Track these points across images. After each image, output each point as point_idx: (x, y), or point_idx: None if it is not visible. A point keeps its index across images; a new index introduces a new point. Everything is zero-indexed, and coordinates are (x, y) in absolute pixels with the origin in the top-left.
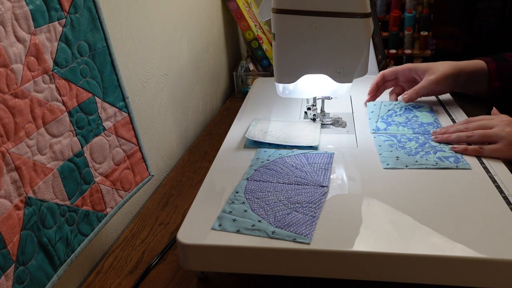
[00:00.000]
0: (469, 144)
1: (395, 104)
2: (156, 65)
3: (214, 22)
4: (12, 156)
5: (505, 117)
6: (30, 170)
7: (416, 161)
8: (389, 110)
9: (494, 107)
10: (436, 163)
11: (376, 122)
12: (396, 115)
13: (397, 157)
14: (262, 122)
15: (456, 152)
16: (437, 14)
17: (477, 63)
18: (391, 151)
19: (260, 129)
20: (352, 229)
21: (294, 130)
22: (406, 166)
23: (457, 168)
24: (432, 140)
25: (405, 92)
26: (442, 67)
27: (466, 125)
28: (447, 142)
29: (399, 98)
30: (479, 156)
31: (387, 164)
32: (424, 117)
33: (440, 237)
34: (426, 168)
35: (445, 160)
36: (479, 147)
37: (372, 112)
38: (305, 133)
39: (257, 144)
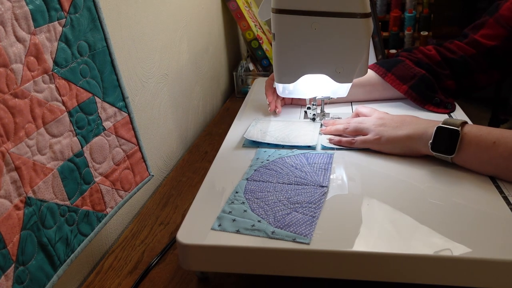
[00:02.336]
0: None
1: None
2: (156, 65)
3: (214, 22)
4: (12, 156)
5: (378, 114)
6: (30, 170)
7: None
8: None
9: (357, 108)
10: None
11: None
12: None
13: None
14: (262, 122)
15: (332, 143)
16: (437, 14)
17: (373, 78)
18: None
19: (260, 129)
20: (352, 229)
21: (293, 130)
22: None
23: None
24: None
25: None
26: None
27: (348, 119)
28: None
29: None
30: (351, 147)
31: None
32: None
33: (440, 237)
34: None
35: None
36: (352, 139)
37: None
38: (304, 133)
39: (256, 144)
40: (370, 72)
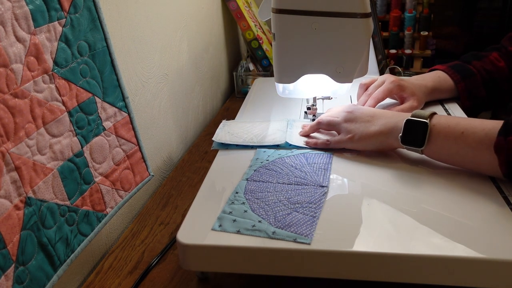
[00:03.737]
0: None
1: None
2: (156, 65)
3: (214, 22)
4: (12, 156)
5: (347, 108)
6: (30, 170)
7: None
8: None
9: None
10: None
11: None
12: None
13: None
14: (229, 124)
15: (308, 145)
16: (437, 14)
17: (447, 84)
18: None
19: (228, 131)
20: (352, 229)
21: (260, 130)
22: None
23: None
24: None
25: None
26: (423, 95)
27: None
28: (305, 136)
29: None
30: (327, 148)
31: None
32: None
33: (440, 237)
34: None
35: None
36: (326, 140)
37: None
38: (272, 132)
39: (224, 146)
40: (439, 73)
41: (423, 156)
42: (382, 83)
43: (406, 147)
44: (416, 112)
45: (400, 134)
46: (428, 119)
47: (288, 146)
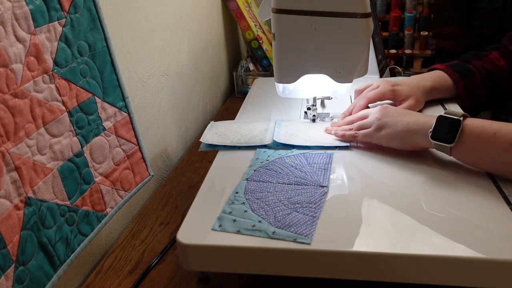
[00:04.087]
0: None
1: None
2: (156, 65)
3: (214, 22)
4: (12, 156)
5: (379, 107)
6: (30, 170)
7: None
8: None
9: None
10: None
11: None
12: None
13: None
14: (217, 125)
15: (336, 136)
16: (437, 14)
17: (447, 83)
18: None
19: (215, 132)
20: (352, 229)
21: (248, 130)
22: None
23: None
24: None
25: None
26: (422, 95)
27: (351, 118)
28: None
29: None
30: (354, 141)
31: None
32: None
33: (440, 237)
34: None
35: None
36: (355, 133)
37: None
38: (259, 132)
39: (212, 147)
40: (438, 72)
41: (423, 157)
42: (377, 87)
43: (435, 143)
44: (450, 110)
45: (431, 130)
46: (462, 118)
47: (275, 145)
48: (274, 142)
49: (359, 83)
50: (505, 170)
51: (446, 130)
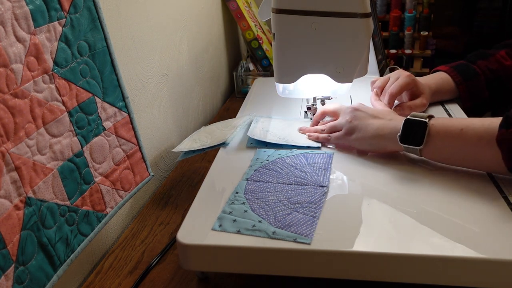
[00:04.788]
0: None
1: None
2: (156, 65)
3: (214, 22)
4: (12, 156)
5: (350, 106)
6: (30, 170)
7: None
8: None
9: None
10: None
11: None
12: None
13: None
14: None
15: (310, 139)
16: (437, 14)
17: (449, 85)
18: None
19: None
20: (352, 229)
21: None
22: (266, 145)
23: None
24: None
25: (401, 106)
26: (429, 95)
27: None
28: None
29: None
30: (326, 144)
31: (251, 143)
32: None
33: (440, 237)
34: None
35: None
36: (328, 135)
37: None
38: (225, 132)
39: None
40: (442, 74)
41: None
42: (396, 79)
43: (405, 147)
44: (414, 113)
45: (399, 134)
46: (427, 119)
47: (249, 143)
48: (250, 139)
49: (359, 83)
50: (476, 165)
51: (414, 132)
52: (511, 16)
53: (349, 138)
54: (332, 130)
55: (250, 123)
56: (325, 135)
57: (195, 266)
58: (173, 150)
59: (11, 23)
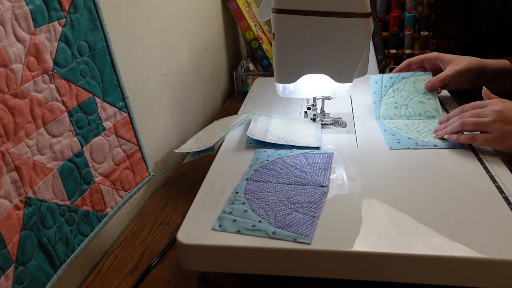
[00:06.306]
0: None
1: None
2: (156, 65)
3: (214, 22)
4: (12, 156)
5: (497, 106)
6: (30, 170)
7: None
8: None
9: (484, 87)
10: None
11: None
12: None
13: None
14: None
15: (450, 141)
16: (437, 14)
17: (502, 62)
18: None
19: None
20: (352, 229)
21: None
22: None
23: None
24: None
25: (429, 80)
26: (467, 60)
27: (461, 114)
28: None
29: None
30: (472, 145)
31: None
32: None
33: (440, 237)
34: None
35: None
36: (472, 136)
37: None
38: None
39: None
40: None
41: (423, 157)
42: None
43: None
44: None
45: None
46: None
47: (248, 143)
48: (249, 139)
49: (359, 83)
50: None
51: None
52: (511, 16)
53: (505, 143)
54: (477, 129)
55: (248, 122)
56: (469, 135)
57: (195, 266)
58: (176, 150)
59: (11, 23)
